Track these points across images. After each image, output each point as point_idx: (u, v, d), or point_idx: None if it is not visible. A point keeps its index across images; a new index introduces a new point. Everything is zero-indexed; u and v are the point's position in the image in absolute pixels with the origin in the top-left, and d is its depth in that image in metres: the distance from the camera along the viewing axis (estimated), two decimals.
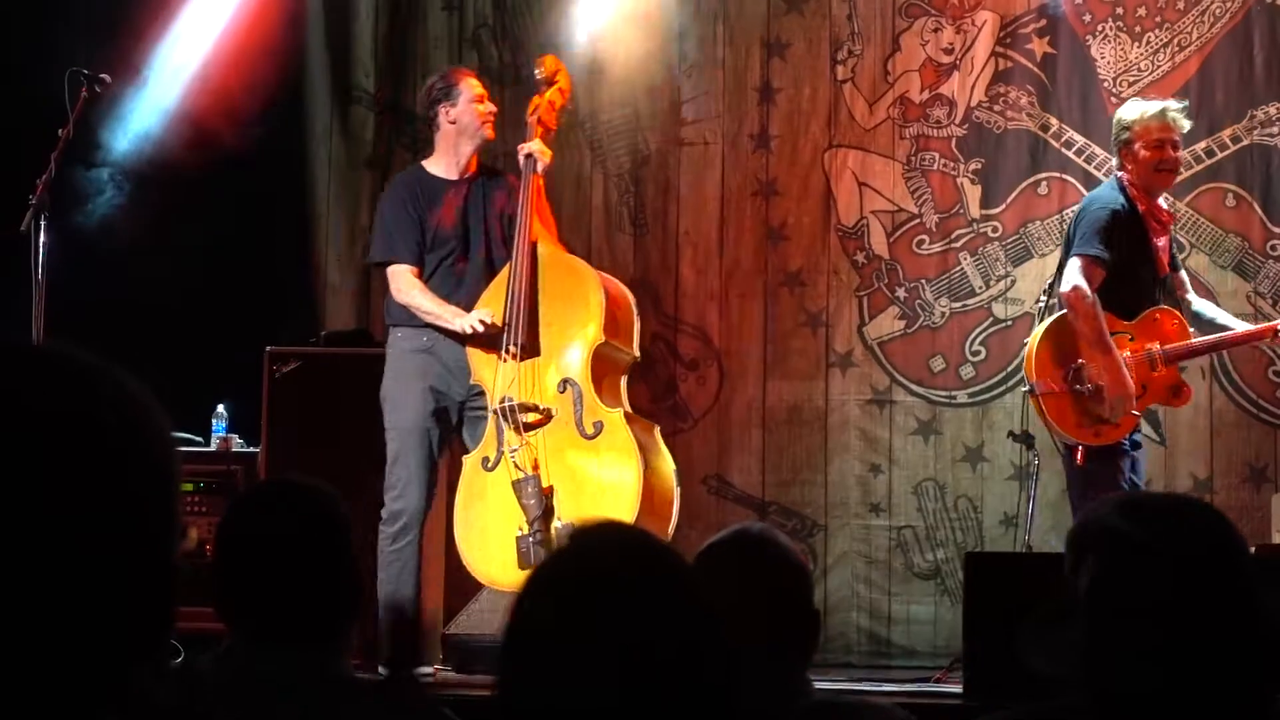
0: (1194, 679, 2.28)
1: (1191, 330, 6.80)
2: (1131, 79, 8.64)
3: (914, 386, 8.65)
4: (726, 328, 8.71)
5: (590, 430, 6.68)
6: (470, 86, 7.15)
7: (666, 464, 6.82)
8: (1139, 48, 8.66)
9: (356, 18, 8.68)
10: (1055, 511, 8.24)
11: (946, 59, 8.72)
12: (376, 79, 8.87)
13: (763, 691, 2.90)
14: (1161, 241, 6.83)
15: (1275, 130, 8.56)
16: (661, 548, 1.92)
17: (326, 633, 2.94)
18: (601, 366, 6.82)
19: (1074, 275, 6.72)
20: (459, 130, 7.09)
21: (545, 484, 6.63)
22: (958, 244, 8.68)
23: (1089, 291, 6.65)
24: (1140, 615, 2.31)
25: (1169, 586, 2.30)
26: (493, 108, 7.25)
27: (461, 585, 7.38)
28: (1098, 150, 8.56)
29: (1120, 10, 8.65)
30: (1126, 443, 6.81)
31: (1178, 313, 6.80)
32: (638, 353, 7.02)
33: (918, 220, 8.70)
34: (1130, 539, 2.37)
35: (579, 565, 1.87)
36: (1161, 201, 7.00)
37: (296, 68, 8.71)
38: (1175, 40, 8.66)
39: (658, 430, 6.99)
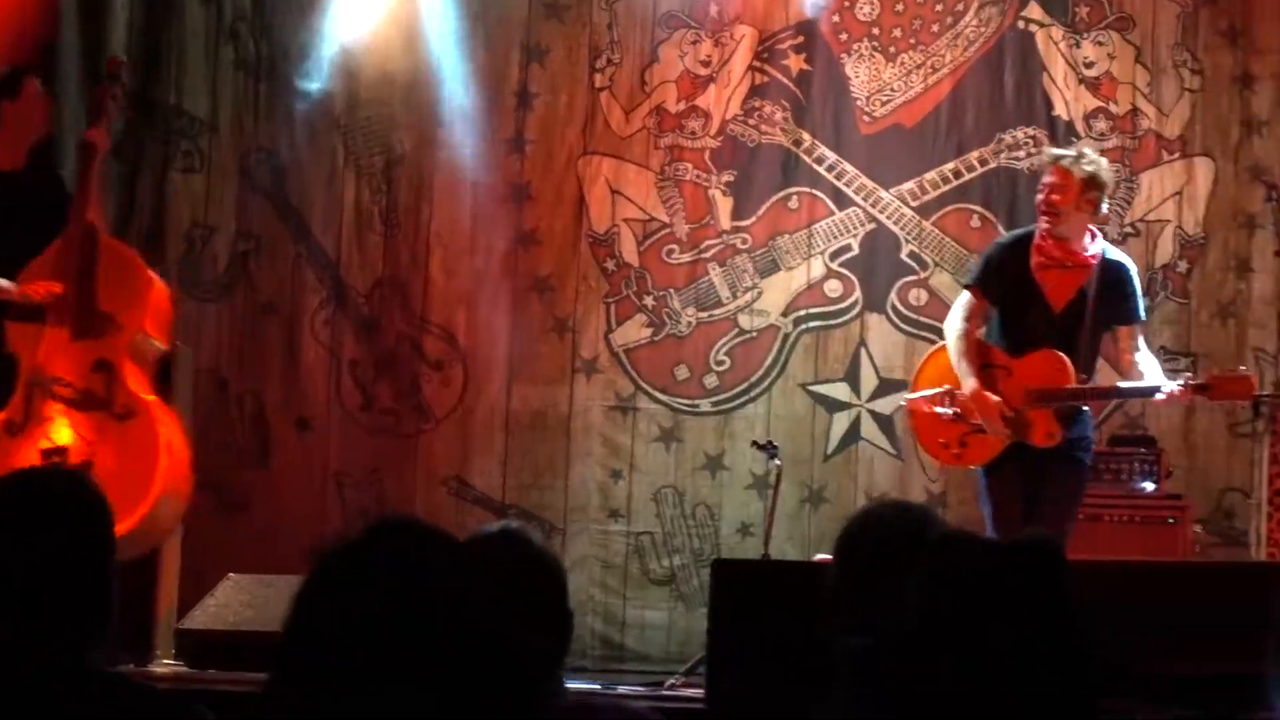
0: (1010, 686, 2.32)
1: (1084, 377, 6.62)
2: (884, 99, 8.79)
3: (658, 394, 8.73)
4: (473, 330, 8.77)
5: (121, 411, 6.97)
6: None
7: (184, 450, 7.20)
8: (893, 68, 8.82)
9: (111, 9, 8.65)
10: (793, 521, 8.46)
11: (704, 71, 8.84)
12: (130, 70, 8.88)
13: (519, 691, 2.90)
14: (1051, 277, 6.67)
15: (1022, 154, 8.73)
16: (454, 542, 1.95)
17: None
18: (139, 354, 7.18)
19: (955, 305, 6.87)
20: None
21: (74, 459, 6.78)
22: (707, 254, 8.79)
23: (955, 321, 6.73)
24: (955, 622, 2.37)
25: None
26: None
27: (198, 580, 7.40)
28: (848, 167, 8.72)
29: (876, 30, 8.80)
30: (983, 473, 6.75)
31: (1061, 355, 6.55)
32: (167, 346, 7.38)
33: (668, 230, 8.80)
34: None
35: (374, 556, 1.88)
36: (1088, 243, 6.67)
37: (50, 57, 8.68)
38: (929, 62, 8.82)
39: (176, 417, 7.27)
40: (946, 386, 6.70)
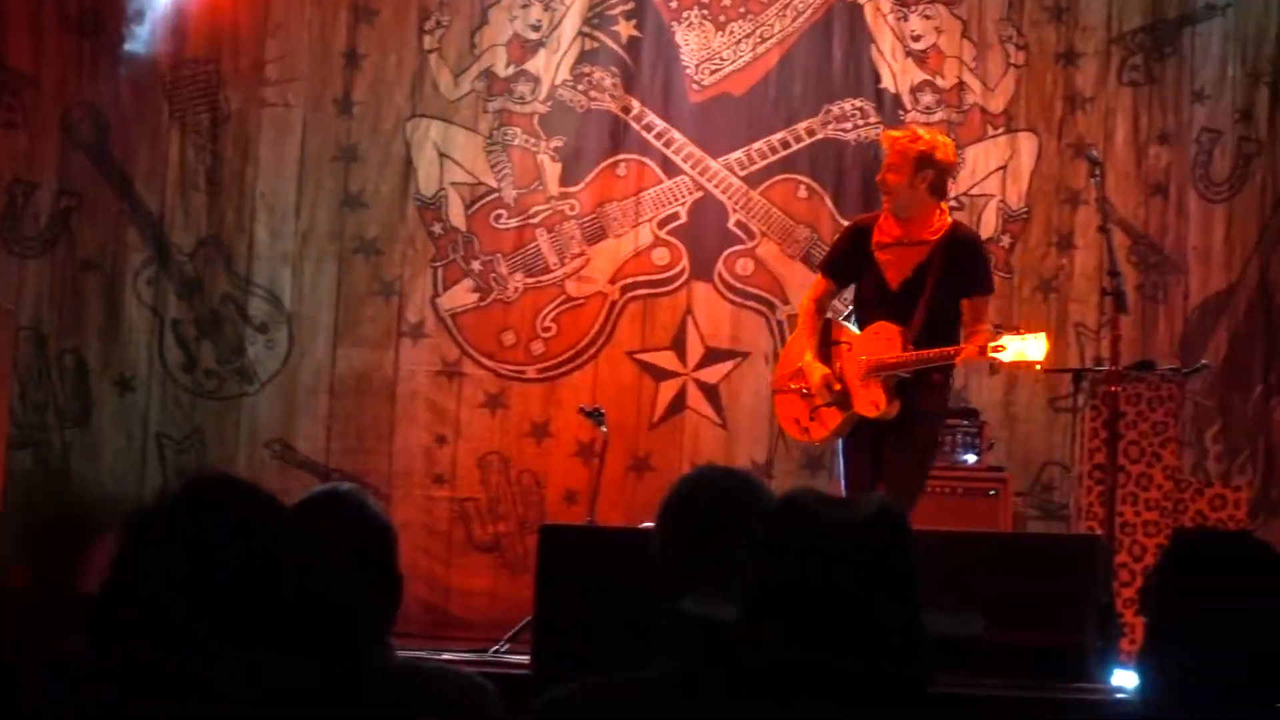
0: (846, 654, 2.31)
1: (910, 348, 6.66)
2: (713, 67, 8.87)
3: (484, 360, 8.79)
4: (299, 292, 8.76)
5: None
6: None
7: None
8: (722, 36, 8.89)
9: None
10: (618, 488, 8.52)
11: (534, 35, 8.88)
12: None
13: (348, 652, 2.82)
14: (889, 255, 6.74)
15: (849, 126, 8.85)
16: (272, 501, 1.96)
17: None
18: None
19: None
20: None
21: None
22: (535, 220, 8.84)
23: (806, 299, 6.88)
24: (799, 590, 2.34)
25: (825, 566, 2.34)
26: None
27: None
28: (677, 135, 8.80)
29: None
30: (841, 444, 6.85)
31: (894, 327, 6.64)
32: None
33: (496, 195, 8.85)
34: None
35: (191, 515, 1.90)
36: (932, 221, 6.71)
37: None
38: (758, 32, 8.90)
39: None
40: (799, 366, 6.81)
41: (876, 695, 2.32)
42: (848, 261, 6.78)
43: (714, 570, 2.60)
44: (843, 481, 6.82)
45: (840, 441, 6.80)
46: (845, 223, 8.57)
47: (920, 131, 6.89)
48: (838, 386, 6.63)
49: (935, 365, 6.56)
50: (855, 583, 2.33)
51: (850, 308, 6.95)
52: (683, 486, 2.98)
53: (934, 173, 6.59)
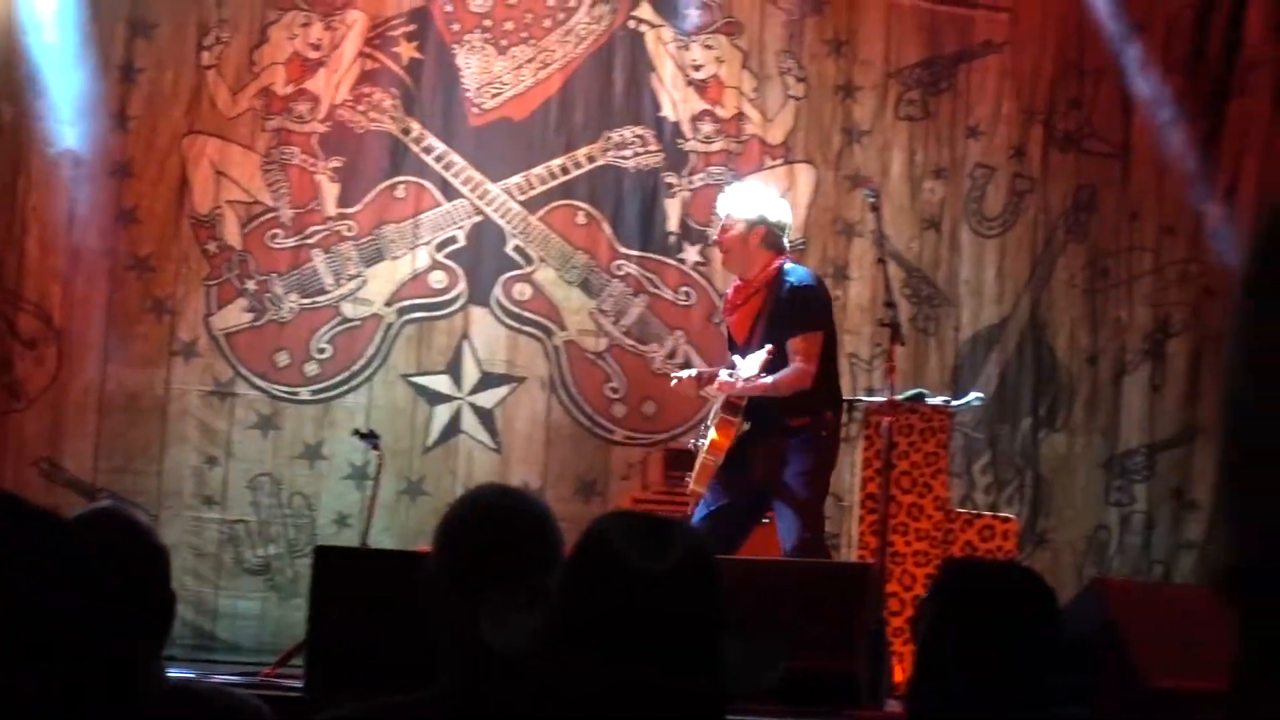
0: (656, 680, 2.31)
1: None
2: (494, 91, 8.95)
3: (257, 380, 8.80)
4: (69, 308, 8.70)
5: None
6: None
7: None
8: (504, 61, 8.98)
9: None
10: (391, 513, 8.59)
11: (314, 55, 8.91)
12: None
13: (121, 671, 2.81)
14: (735, 320, 7.02)
15: (629, 153, 8.97)
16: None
17: None
18: None
19: None
20: None
21: None
22: (312, 240, 8.87)
23: None
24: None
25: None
26: None
27: None
28: (456, 159, 8.88)
29: (489, 22, 8.96)
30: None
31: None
32: None
33: (273, 214, 8.85)
34: None
35: None
36: (759, 271, 6.96)
37: None
38: (540, 57, 9.00)
39: None
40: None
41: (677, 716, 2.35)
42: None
43: (496, 590, 2.61)
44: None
45: None
46: (622, 249, 8.98)
47: (749, 192, 7.28)
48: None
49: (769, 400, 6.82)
50: (660, 626, 2.34)
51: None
52: (461, 507, 3.02)
53: (766, 230, 6.90)
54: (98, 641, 1.92)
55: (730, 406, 6.78)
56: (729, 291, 7.09)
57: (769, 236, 6.85)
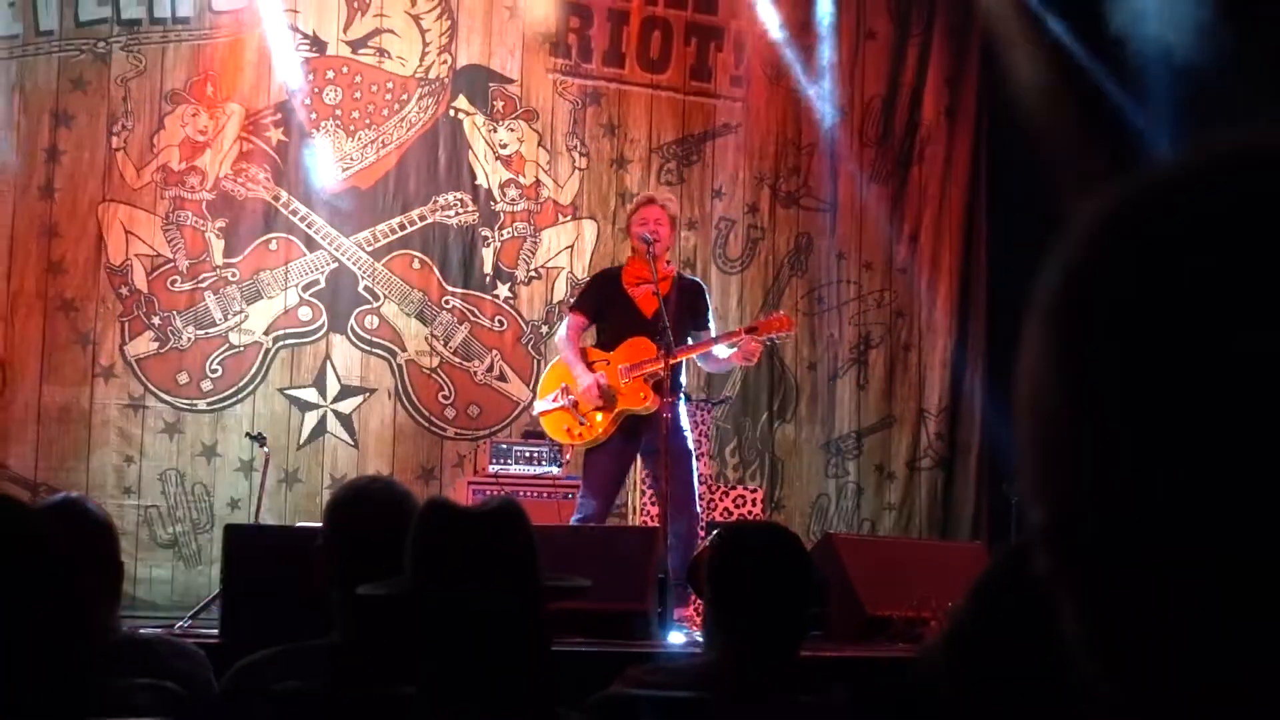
0: (487, 638, 2.39)
1: (663, 353, 7.27)
2: (345, 165, 9.98)
3: (163, 395, 9.56)
4: (12, 342, 9.39)
5: None
6: None
7: None
8: (352, 141, 10.00)
9: None
10: (272, 498, 9.43)
11: (202, 138, 9.72)
12: None
13: (82, 625, 2.62)
14: (639, 291, 7.46)
15: (452, 213, 10.07)
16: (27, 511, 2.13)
17: None
18: None
19: (561, 326, 7.92)
20: None
21: None
22: (204, 285, 9.69)
23: (562, 332, 7.80)
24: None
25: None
26: None
27: None
28: (317, 219, 9.87)
29: (339, 112, 10.02)
30: (609, 441, 7.54)
31: (648, 340, 7.37)
32: None
33: (172, 264, 9.62)
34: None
35: None
36: (665, 266, 7.52)
37: None
38: (380, 139, 10.05)
39: None
40: (563, 385, 7.58)
41: (512, 641, 2.38)
42: (601, 300, 7.62)
43: (376, 557, 2.68)
44: (584, 481, 7.59)
45: (585, 452, 7.60)
46: (449, 288, 9.87)
47: (669, 195, 7.94)
48: (605, 386, 7.39)
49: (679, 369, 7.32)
50: (488, 558, 2.39)
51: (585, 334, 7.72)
52: (344, 492, 3.13)
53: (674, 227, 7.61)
54: (61, 600, 2.03)
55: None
56: (623, 267, 7.62)
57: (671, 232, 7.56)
